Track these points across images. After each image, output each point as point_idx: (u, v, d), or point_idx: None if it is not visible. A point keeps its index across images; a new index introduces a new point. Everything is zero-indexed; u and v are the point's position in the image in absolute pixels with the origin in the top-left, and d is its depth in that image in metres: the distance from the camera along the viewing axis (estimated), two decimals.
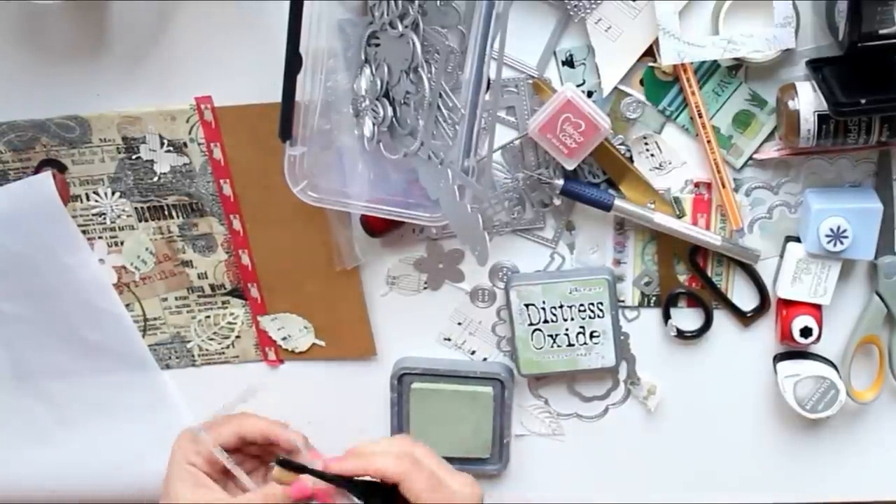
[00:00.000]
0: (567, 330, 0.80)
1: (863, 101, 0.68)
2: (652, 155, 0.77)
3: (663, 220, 0.77)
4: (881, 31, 0.65)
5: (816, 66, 0.71)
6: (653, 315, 0.82)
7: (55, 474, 0.89)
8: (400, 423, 0.84)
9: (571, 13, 0.72)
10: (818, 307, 0.78)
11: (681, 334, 0.81)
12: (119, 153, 0.80)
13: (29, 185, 0.80)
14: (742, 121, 0.75)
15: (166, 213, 0.81)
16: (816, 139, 0.71)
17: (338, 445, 0.87)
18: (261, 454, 0.80)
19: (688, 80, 0.73)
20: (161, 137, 0.79)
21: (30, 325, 0.84)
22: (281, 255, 0.82)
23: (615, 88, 0.75)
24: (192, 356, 0.87)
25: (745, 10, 0.71)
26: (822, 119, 0.70)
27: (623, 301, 0.81)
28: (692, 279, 0.80)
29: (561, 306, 0.79)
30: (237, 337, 0.86)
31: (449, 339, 0.84)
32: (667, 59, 0.72)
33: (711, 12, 0.72)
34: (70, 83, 0.78)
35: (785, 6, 0.70)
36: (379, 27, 0.72)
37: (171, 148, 0.79)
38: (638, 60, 0.74)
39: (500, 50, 0.67)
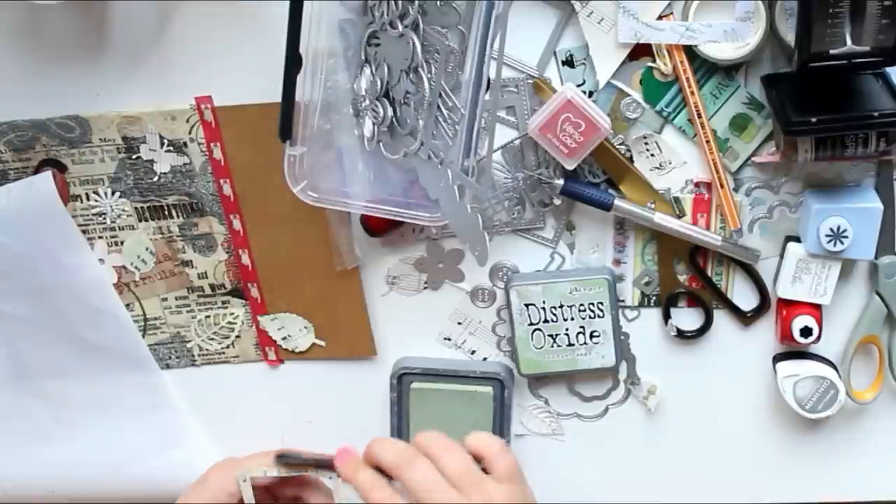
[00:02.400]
0: (567, 330, 0.80)
1: (813, 119, 0.68)
2: (652, 155, 0.77)
3: (663, 220, 0.77)
4: (832, 52, 0.65)
5: (772, 83, 0.72)
6: (653, 315, 0.82)
7: (55, 474, 0.89)
8: (400, 423, 0.84)
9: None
10: (818, 307, 0.78)
11: (681, 334, 0.81)
12: (119, 153, 0.80)
13: (29, 186, 0.80)
14: (739, 124, 0.75)
15: (166, 212, 0.81)
16: (815, 153, 0.71)
17: (337, 445, 0.88)
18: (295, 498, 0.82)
19: (687, 80, 0.73)
20: (161, 137, 0.79)
21: (30, 325, 0.84)
22: (281, 255, 0.82)
23: (617, 89, 0.75)
24: (192, 356, 0.87)
25: (715, 9, 0.71)
26: (819, 137, 0.71)
27: (623, 301, 0.81)
28: (692, 279, 0.80)
29: (561, 306, 0.79)
30: (237, 337, 0.86)
31: (449, 339, 0.84)
32: (623, 37, 0.72)
33: (682, 8, 0.72)
34: (70, 83, 0.78)
35: (748, 4, 0.70)
36: (379, 27, 0.72)
37: (171, 148, 0.79)
38: (637, 59, 0.74)
39: (500, 50, 0.67)
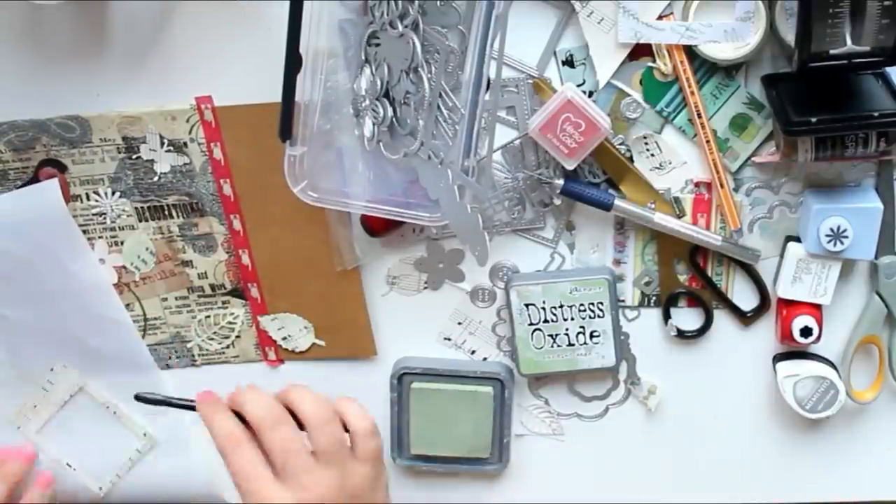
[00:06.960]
0: (567, 330, 0.80)
1: (813, 119, 0.68)
2: (652, 155, 0.77)
3: (663, 220, 0.77)
4: (832, 52, 0.65)
5: (772, 83, 0.72)
6: (653, 315, 0.82)
7: (56, 475, 0.89)
8: (400, 423, 0.84)
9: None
10: (818, 307, 0.78)
11: (681, 334, 0.82)
12: (119, 153, 0.80)
13: (35, 193, 0.80)
14: (739, 124, 0.75)
15: (166, 212, 0.81)
16: (815, 153, 0.71)
17: None
18: None
19: (687, 80, 0.73)
20: (161, 137, 0.79)
21: (32, 329, 0.84)
22: (281, 255, 0.82)
23: (616, 88, 0.75)
24: (193, 356, 0.87)
25: (715, 9, 0.71)
26: (819, 137, 0.71)
27: (623, 301, 0.81)
28: (692, 279, 0.80)
29: (561, 306, 0.79)
30: (237, 337, 0.86)
31: (449, 339, 0.84)
32: (623, 37, 0.72)
33: (682, 8, 0.72)
34: (70, 83, 0.78)
35: (748, 4, 0.70)
36: (379, 27, 0.72)
37: (171, 148, 0.79)
38: (637, 59, 0.74)
39: (500, 50, 0.68)
